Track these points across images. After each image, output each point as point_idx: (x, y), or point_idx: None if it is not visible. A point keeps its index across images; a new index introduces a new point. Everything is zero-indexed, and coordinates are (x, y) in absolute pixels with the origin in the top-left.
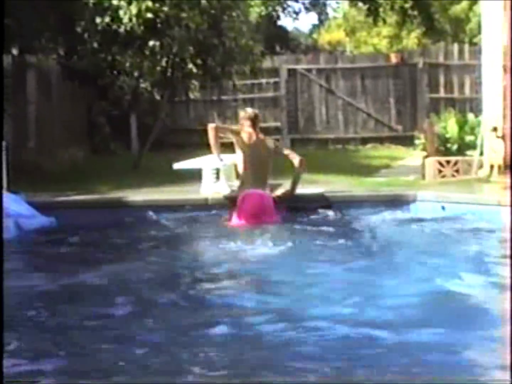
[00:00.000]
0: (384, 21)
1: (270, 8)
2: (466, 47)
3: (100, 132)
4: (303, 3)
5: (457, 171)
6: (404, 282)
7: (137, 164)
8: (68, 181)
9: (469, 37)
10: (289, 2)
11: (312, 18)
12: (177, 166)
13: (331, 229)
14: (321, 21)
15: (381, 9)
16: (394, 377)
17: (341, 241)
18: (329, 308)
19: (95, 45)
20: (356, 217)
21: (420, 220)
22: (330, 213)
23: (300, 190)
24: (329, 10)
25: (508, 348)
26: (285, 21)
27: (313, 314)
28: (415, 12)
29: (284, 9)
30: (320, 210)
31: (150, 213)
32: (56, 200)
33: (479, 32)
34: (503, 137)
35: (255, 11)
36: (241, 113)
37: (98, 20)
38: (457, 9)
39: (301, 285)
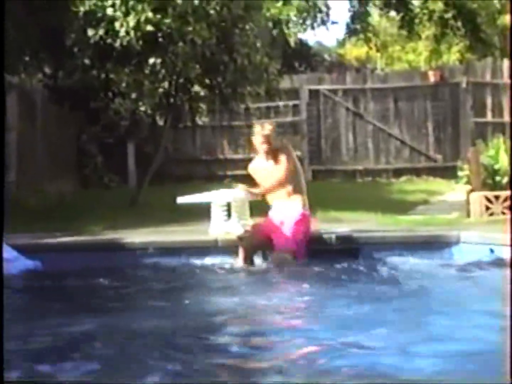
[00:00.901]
0: (419, 35)
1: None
2: None
3: (92, 162)
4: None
5: (508, 208)
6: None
7: (135, 199)
8: (54, 220)
9: None
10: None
11: (336, 30)
12: (181, 200)
13: (357, 275)
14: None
15: (416, 20)
16: None
17: (368, 289)
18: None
19: (87, 61)
20: (388, 262)
21: (464, 265)
22: (358, 256)
23: (324, 229)
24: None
25: None
26: (306, 34)
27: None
28: (458, 23)
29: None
30: (346, 253)
31: (149, 257)
32: (41, 242)
33: None
34: None
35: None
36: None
37: (90, 32)
38: (507, 19)
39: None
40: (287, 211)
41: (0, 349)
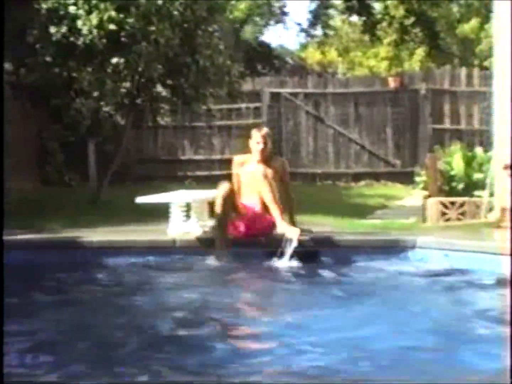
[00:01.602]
0: (380, 40)
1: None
2: (476, 71)
3: (53, 160)
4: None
5: (463, 214)
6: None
7: (95, 198)
8: (14, 217)
9: (479, 60)
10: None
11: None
12: (140, 200)
13: (314, 277)
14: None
15: (378, 26)
16: None
17: (324, 290)
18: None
19: (48, 58)
20: (345, 264)
21: (419, 269)
22: (316, 259)
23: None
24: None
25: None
26: (269, 37)
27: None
28: (417, 30)
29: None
30: (304, 256)
31: (107, 256)
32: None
33: (491, 55)
34: None
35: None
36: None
37: (52, 30)
38: (466, 28)
39: (276, 334)
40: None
41: (0, 349)
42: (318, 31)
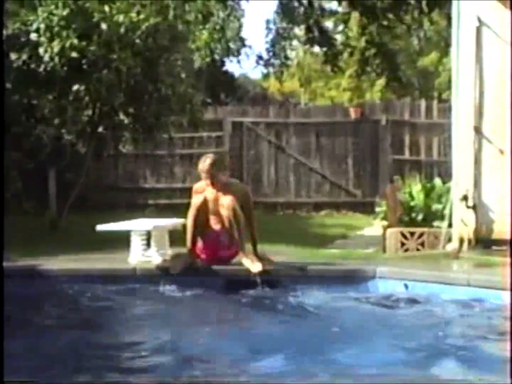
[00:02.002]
0: (342, 71)
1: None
2: (435, 103)
3: (12, 187)
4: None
5: (422, 244)
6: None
7: (54, 226)
8: None
9: (438, 92)
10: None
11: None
12: (100, 228)
13: (271, 307)
14: (281, 73)
15: (340, 57)
16: None
17: (280, 320)
18: None
19: (9, 85)
20: (304, 294)
21: (379, 300)
22: (273, 289)
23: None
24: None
25: None
26: (231, 66)
27: None
28: (377, 61)
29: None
30: (262, 285)
31: (66, 285)
32: None
33: (449, 88)
34: (474, 207)
35: (200, 56)
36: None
37: (13, 56)
38: (425, 61)
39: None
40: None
41: (0, 349)
42: (277, 61)
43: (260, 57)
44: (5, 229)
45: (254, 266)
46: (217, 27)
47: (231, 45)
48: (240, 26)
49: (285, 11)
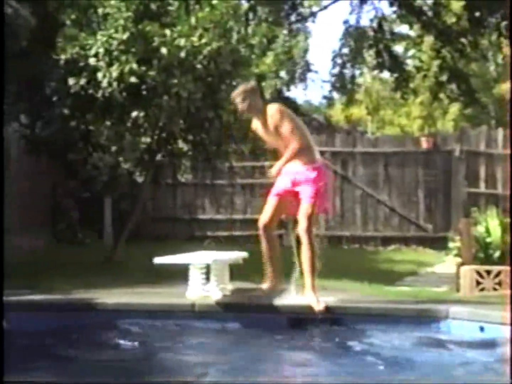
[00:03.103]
0: (415, 94)
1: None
2: None
3: (67, 217)
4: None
5: (499, 283)
6: None
7: (110, 257)
8: (24, 276)
9: None
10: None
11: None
12: (158, 261)
13: (335, 348)
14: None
15: (411, 82)
16: None
17: (345, 363)
18: None
19: (66, 111)
20: (371, 335)
21: (452, 342)
22: (339, 328)
23: (303, 298)
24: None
25: None
26: (295, 92)
27: None
28: (453, 85)
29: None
30: (329, 323)
31: (121, 319)
32: (8, 300)
33: None
34: None
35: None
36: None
37: (71, 81)
38: (503, 88)
39: None
40: (295, 173)
41: (0, 348)
42: (344, 88)
43: (329, 84)
44: (59, 260)
45: (318, 304)
46: (283, 49)
47: (297, 69)
48: (306, 49)
49: (353, 34)
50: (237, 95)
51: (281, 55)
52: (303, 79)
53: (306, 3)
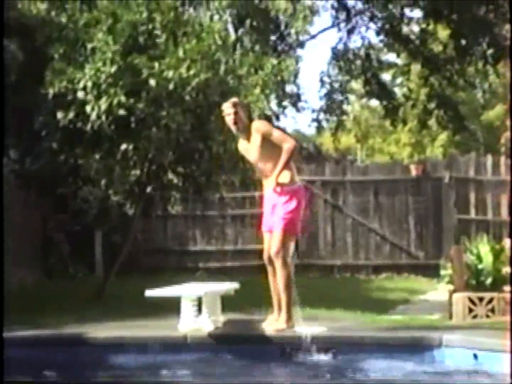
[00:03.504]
0: (404, 123)
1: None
2: (502, 159)
3: (57, 251)
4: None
5: (492, 310)
6: None
7: (101, 291)
8: (14, 312)
9: (505, 147)
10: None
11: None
12: (149, 293)
13: (327, 378)
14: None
15: (400, 110)
16: None
17: None
18: None
19: (55, 145)
20: (364, 364)
21: (446, 371)
22: (330, 358)
23: (295, 328)
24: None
25: None
26: (285, 122)
27: None
28: (441, 112)
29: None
30: (322, 353)
31: (113, 353)
32: None
33: None
34: None
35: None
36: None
37: (59, 115)
38: (491, 114)
39: None
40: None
41: (0, 350)
42: (333, 117)
43: (314, 111)
44: (50, 294)
45: (285, 323)
46: (271, 76)
47: (287, 95)
48: (296, 73)
49: (340, 63)
50: (228, 106)
51: (269, 82)
52: (293, 105)
53: (292, 31)
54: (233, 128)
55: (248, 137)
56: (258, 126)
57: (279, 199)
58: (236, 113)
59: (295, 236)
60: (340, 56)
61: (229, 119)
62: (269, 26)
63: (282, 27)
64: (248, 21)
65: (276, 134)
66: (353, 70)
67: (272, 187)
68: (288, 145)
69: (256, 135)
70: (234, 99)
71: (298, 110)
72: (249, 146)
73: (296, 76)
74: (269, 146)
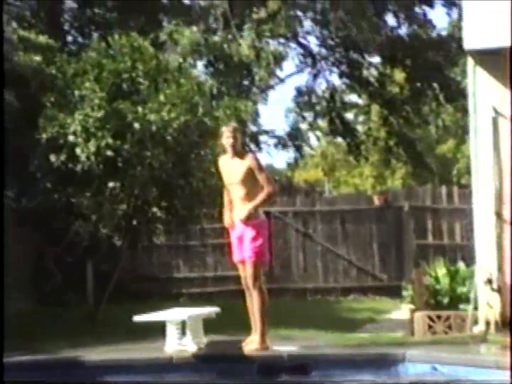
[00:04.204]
0: (366, 159)
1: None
2: (455, 190)
3: (51, 281)
4: (279, 138)
5: (449, 327)
6: None
7: (93, 317)
8: (10, 338)
9: (457, 177)
10: (263, 137)
11: (286, 154)
12: (137, 319)
13: None
14: (296, 160)
15: (363, 146)
16: None
17: None
18: None
19: (49, 185)
20: (335, 380)
21: (410, 382)
22: (303, 375)
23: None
24: (305, 147)
25: None
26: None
27: None
28: (400, 150)
29: (257, 144)
30: (296, 371)
31: (109, 374)
32: None
33: (468, 173)
34: (499, 290)
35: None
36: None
37: (52, 158)
38: (444, 148)
39: None
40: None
41: (0, 349)
42: (299, 152)
43: (282, 145)
44: (44, 322)
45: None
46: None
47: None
48: (257, 114)
49: (304, 103)
50: (228, 130)
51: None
52: (255, 142)
53: (257, 77)
54: (230, 149)
55: (236, 158)
56: (254, 161)
57: (246, 231)
58: (234, 137)
59: (266, 265)
60: (304, 95)
61: (228, 142)
62: (234, 71)
63: (249, 72)
64: (214, 65)
65: (263, 175)
66: (317, 109)
67: (240, 217)
68: (270, 189)
69: (246, 163)
70: (234, 125)
71: (259, 147)
72: (234, 167)
73: (256, 116)
74: (252, 179)
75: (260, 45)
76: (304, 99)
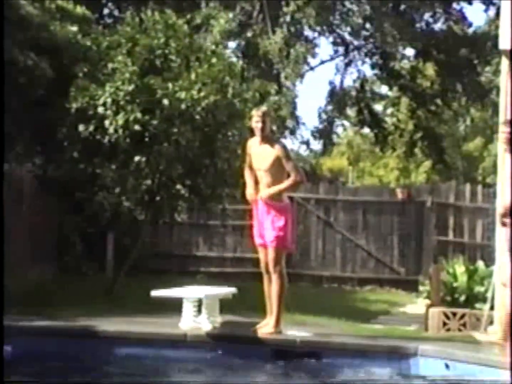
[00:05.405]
0: (394, 150)
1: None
2: (479, 188)
3: (72, 250)
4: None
5: (464, 325)
6: None
7: (110, 289)
8: (32, 304)
9: (482, 176)
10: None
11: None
12: (155, 293)
13: (310, 381)
14: (325, 147)
15: (390, 138)
16: None
17: None
18: None
19: (75, 154)
20: (345, 369)
21: (419, 378)
22: (314, 361)
23: (283, 332)
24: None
25: None
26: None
27: None
28: (425, 143)
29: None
30: (307, 356)
31: (120, 346)
32: (16, 325)
33: (494, 172)
34: None
35: None
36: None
37: (81, 128)
38: (470, 146)
39: None
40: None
41: (0, 349)
42: (329, 140)
43: (313, 136)
44: (63, 290)
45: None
46: (273, 106)
47: (288, 124)
48: (294, 106)
49: (337, 94)
50: (258, 114)
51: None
52: (292, 133)
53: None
54: (258, 133)
55: (264, 144)
56: (282, 149)
57: (269, 216)
58: (264, 121)
59: (287, 250)
60: (336, 87)
61: (257, 126)
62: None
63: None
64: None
65: (291, 163)
66: (348, 100)
67: (262, 195)
68: (296, 177)
69: (274, 152)
70: (264, 109)
71: (296, 137)
72: (263, 154)
73: (293, 111)
74: (279, 167)
75: (291, 43)
76: (338, 95)
